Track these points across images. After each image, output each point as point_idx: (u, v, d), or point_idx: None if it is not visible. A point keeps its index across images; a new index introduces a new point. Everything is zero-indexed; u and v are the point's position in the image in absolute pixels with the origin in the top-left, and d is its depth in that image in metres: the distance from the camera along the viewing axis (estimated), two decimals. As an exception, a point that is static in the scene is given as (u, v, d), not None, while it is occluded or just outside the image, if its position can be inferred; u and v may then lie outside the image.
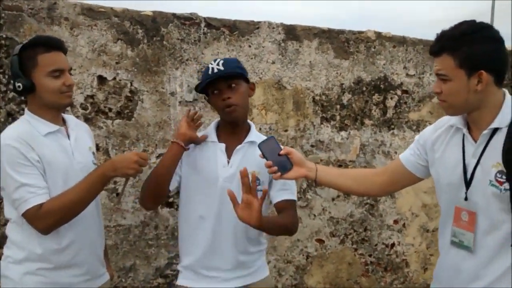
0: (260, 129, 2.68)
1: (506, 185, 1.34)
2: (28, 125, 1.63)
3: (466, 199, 1.43)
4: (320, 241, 2.87)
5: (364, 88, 2.93)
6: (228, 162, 1.82)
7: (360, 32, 2.92)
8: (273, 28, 2.71)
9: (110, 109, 2.34)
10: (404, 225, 3.06)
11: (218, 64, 1.78)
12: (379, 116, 2.98)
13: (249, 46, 2.65)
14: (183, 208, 1.88)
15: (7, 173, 1.54)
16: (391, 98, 2.98)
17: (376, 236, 3.00)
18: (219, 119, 1.94)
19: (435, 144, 1.55)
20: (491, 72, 1.36)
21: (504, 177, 1.35)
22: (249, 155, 1.83)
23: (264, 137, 1.76)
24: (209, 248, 1.81)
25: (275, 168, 1.60)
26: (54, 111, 1.68)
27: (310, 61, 2.79)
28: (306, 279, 2.84)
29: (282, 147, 1.64)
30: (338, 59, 2.86)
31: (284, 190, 1.85)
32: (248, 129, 1.90)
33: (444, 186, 1.52)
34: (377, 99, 2.97)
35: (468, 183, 1.43)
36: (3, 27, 2.12)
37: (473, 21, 1.40)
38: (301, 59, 2.77)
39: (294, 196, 1.88)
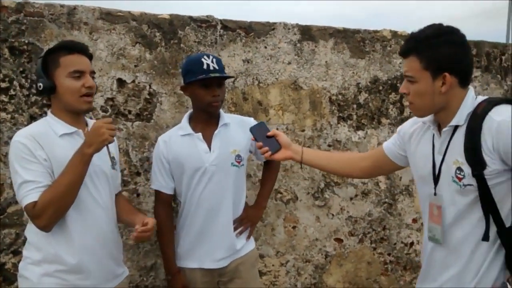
0: (277, 129, 2.69)
1: (465, 181, 1.42)
2: (45, 126, 1.68)
3: (435, 194, 1.52)
4: (339, 240, 2.86)
5: (381, 87, 2.93)
6: (210, 148, 2.04)
7: (375, 31, 2.92)
8: (289, 29, 2.72)
9: (129, 111, 2.37)
10: (423, 224, 3.03)
11: (212, 62, 1.99)
12: (396, 115, 2.97)
13: (265, 47, 2.67)
14: (182, 199, 2.11)
15: (14, 169, 1.58)
16: (408, 97, 2.96)
17: (395, 235, 2.98)
18: (190, 111, 2.15)
19: (411, 138, 1.65)
20: (455, 74, 1.42)
21: (462, 173, 1.42)
22: (227, 137, 2.08)
23: (231, 116, 2.15)
24: (203, 229, 2.05)
25: (266, 148, 1.77)
26: (74, 114, 1.72)
27: (326, 61, 2.80)
28: (325, 278, 2.84)
29: (270, 129, 1.82)
30: (354, 58, 2.86)
31: None
32: (218, 115, 2.11)
33: (418, 179, 1.62)
34: (394, 98, 2.96)
35: (436, 179, 1.51)
36: (25, 33, 2.17)
37: (440, 25, 1.46)
38: (317, 59, 2.78)
39: None
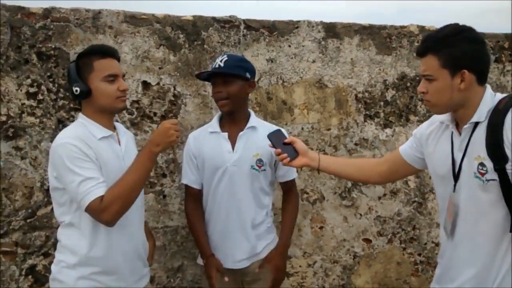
0: (302, 128, 2.66)
1: (488, 176, 1.42)
2: (83, 128, 1.69)
3: (454, 190, 1.52)
4: (367, 240, 2.81)
5: (409, 84, 2.86)
6: (233, 149, 2.04)
7: (402, 27, 2.85)
8: (313, 26, 2.68)
9: (155, 113, 2.39)
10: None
11: (221, 61, 1.99)
12: (424, 112, 2.89)
13: (289, 46, 2.64)
14: (205, 197, 2.12)
15: (68, 169, 1.58)
16: (437, 93, 2.88)
17: (425, 235, 2.91)
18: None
19: (428, 139, 1.65)
20: (473, 71, 1.44)
21: (485, 169, 1.43)
22: (252, 140, 2.07)
23: (261, 122, 2.16)
24: (224, 228, 2.06)
25: (285, 155, 1.76)
26: (108, 116, 1.74)
27: (351, 58, 2.75)
28: (353, 279, 2.80)
29: (287, 136, 1.85)
30: (380, 55, 2.80)
31: (291, 170, 2.17)
32: (248, 116, 2.12)
33: (437, 179, 1.62)
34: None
35: (456, 176, 1.51)
36: (52, 38, 2.20)
37: (456, 24, 1.49)
38: (342, 57, 2.73)
39: (296, 174, 2.24)
